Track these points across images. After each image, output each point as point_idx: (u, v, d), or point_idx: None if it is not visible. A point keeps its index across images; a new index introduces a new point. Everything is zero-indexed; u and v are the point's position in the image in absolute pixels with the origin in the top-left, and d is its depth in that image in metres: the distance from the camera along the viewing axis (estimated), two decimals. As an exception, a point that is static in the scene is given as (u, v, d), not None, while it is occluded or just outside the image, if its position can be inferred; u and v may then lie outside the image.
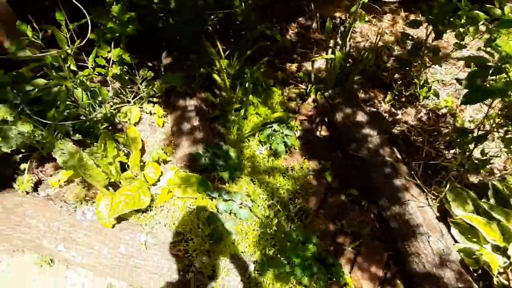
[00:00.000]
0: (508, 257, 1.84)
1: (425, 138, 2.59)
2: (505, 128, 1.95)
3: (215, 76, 2.55)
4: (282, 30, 3.33)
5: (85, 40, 1.91)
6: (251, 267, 1.97)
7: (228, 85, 2.55)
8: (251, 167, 2.33)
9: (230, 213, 2.05)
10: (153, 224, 2.04)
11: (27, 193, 2.11)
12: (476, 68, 1.60)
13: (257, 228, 2.07)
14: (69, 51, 1.80)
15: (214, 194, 2.04)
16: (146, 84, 2.51)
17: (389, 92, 2.77)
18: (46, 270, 2.09)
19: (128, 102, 2.56)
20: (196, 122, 2.33)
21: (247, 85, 2.48)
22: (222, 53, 2.61)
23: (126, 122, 2.50)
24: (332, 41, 2.72)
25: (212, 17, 2.63)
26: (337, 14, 3.40)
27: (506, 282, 1.83)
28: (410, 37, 2.53)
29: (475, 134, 1.96)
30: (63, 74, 1.94)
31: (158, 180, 2.19)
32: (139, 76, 2.44)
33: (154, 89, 2.44)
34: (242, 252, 2.01)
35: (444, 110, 2.71)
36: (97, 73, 2.11)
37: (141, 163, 2.22)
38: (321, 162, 2.48)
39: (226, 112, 2.51)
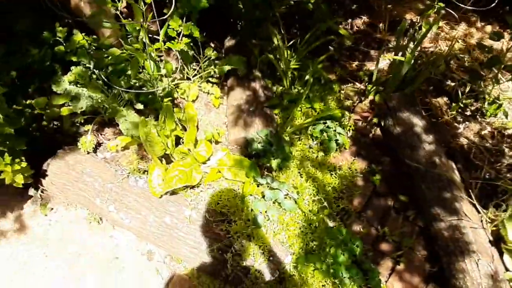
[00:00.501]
0: None
1: (486, 157, 2.45)
2: None
3: (276, 65, 2.54)
4: (347, 26, 3.25)
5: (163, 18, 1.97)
6: (289, 258, 1.97)
7: (289, 75, 2.54)
8: (300, 160, 2.32)
9: (274, 202, 2.06)
10: (198, 200, 2.10)
11: (88, 153, 2.23)
12: None
13: (299, 220, 2.06)
14: (144, 24, 1.87)
15: (262, 181, 2.05)
16: (208, 63, 2.55)
17: (453, 104, 2.63)
18: (94, 227, 2.22)
19: (188, 79, 2.62)
20: (252, 107, 2.35)
21: (307, 77, 2.45)
22: (286, 42, 2.60)
23: (184, 98, 2.57)
24: (401, 43, 2.61)
25: (281, 4, 2.61)
26: (408, 16, 3.26)
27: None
28: (487, 49, 2.37)
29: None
30: (136, 46, 2.02)
31: (208, 159, 2.24)
32: (203, 55, 2.48)
33: (215, 69, 2.47)
34: (281, 242, 2.02)
35: (511, 131, 2.54)
36: (166, 48, 2.16)
37: (196, 142, 2.28)
38: (370, 165, 2.42)
39: (283, 102, 2.50)
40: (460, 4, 2.23)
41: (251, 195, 2.08)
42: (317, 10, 2.62)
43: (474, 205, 2.10)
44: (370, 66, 2.97)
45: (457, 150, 2.46)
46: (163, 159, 2.14)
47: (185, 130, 2.25)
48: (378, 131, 2.60)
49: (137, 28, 2.02)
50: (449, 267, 1.96)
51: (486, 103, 2.54)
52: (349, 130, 2.58)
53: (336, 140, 2.43)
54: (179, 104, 2.58)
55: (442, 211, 2.05)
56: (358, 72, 2.94)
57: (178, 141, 2.24)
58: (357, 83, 2.86)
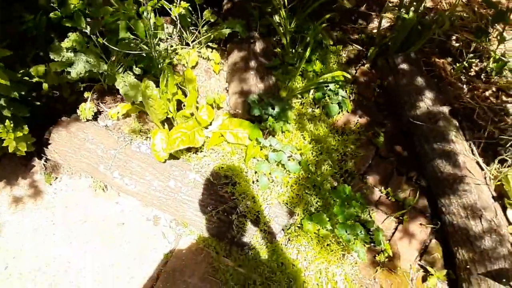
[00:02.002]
0: None
1: (489, 117, 2.43)
2: None
3: (276, 27, 2.49)
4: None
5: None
6: (293, 218, 1.99)
7: (288, 38, 2.49)
8: (302, 123, 2.31)
9: (278, 164, 2.06)
10: (202, 164, 2.10)
11: (87, 120, 2.22)
12: None
13: (303, 182, 2.07)
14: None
15: (266, 143, 2.04)
16: (207, 28, 2.49)
17: (457, 64, 2.59)
18: (99, 194, 2.24)
19: (187, 45, 2.57)
20: (253, 71, 2.31)
21: (308, 40, 2.40)
22: (286, 4, 2.53)
23: (183, 65, 2.53)
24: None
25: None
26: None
27: (560, 272, 1.74)
28: (492, 4, 2.31)
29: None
30: (127, 3, 1.96)
31: (210, 124, 2.23)
32: (202, 19, 2.42)
33: (215, 33, 2.42)
34: (286, 202, 2.03)
35: (516, 89, 2.51)
36: (160, 5, 2.10)
37: (197, 106, 2.26)
38: (373, 127, 2.41)
39: (284, 64, 2.46)
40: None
41: (254, 157, 2.08)
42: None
43: (477, 162, 2.10)
44: (372, 28, 2.90)
45: (460, 110, 2.44)
46: (165, 124, 2.12)
47: (186, 96, 2.23)
48: (381, 94, 2.57)
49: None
50: (452, 225, 1.98)
51: (491, 62, 2.49)
52: (351, 93, 2.55)
53: (339, 103, 2.41)
54: (179, 71, 2.54)
55: (445, 169, 2.06)
56: (359, 34, 2.87)
57: (179, 106, 2.22)
58: (358, 46, 2.81)
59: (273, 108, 2.17)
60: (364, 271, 2.03)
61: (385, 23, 2.87)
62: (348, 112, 2.48)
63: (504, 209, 1.95)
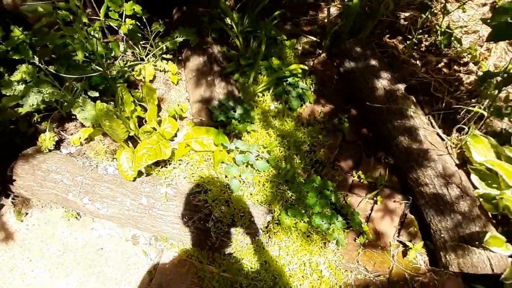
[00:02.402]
0: (530, 201, 1.81)
1: (445, 88, 2.51)
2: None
3: (228, 30, 2.50)
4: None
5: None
6: (269, 216, 2.01)
7: (241, 40, 2.50)
8: (266, 121, 2.33)
9: (247, 165, 2.07)
10: (172, 177, 2.09)
11: (50, 150, 2.17)
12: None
13: (274, 179, 2.09)
14: (78, 3, 1.78)
15: (231, 146, 2.05)
16: (159, 40, 2.48)
17: (407, 42, 2.67)
18: (73, 224, 2.20)
19: (142, 60, 2.56)
20: (210, 76, 2.32)
21: (261, 38, 2.42)
22: (234, 6, 2.54)
23: (141, 80, 2.51)
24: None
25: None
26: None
27: (526, 225, 1.82)
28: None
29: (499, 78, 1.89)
30: (75, 27, 1.93)
31: (175, 136, 2.22)
32: (151, 32, 2.41)
33: (167, 44, 2.41)
34: (260, 202, 2.05)
35: (466, 59, 2.60)
36: (107, 25, 2.08)
37: (158, 119, 2.25)
38: (337, 114, 2.46)
39: (241, 66, 2.47)
40: None
41: (223, 162, 2.09)
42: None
43: (437, 134, 2.17)
44: (323, 18, 2.95)
45: (417, 85, 2.51)
46: (129, 142, 2.10)
47: (146, 110, 2.21)
48: (340, 81, 2.62)
49: (73, 9, 1.93)
50: (422, 197, 2.04)
51: (439, 35, 2.58)
52: (311, 84, 2.59)
53: (300, 96, 2.44)
54: (138, 86, 2.52)
55: (408, 145, 2.12)
56: (312, 26, 2.92)
57: (141, 122, 2.21)
58: (313, 37, 2.85)
59: (235, 111, 2.18)
60: (347, 255, 2.07)
61: (335, 11, 2.93)
62: (311, 103, 2.51)
63: (468, 174, 2.02)
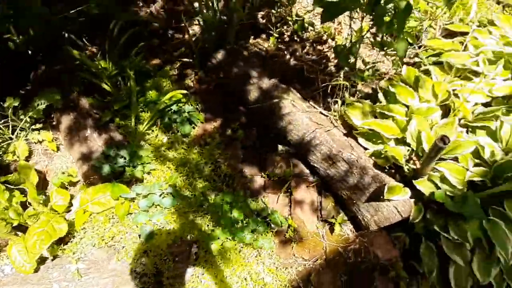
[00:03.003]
0: (409, 145, 2.02)
1: (316, 69, 2.70)
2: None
3: (93, 79, 2.39)
4: (150, 10, 3.18)
5: None
6: (194, 248, 1.96)
7: (110, 84, 2.41)
8: (162, 156, 2.27)
9: (156, 206, 2.00)
10: (80, 249, 1.93)
11: None
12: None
13: (187, 209, 2.04)
14: None
15: (131, 195, 1.96)
16: (22, 112, 2.28)
17: (271, 38, 2.81)
18: None
19: (11, 138, 2.32)
20: (87, 132, 2.19)
21: (129, 77, 2.36)
22: (95, 54, 2.44)
23: (16, 159, 2.28)
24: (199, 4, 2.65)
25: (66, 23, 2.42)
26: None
27: (414, 166, 2.03)
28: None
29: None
30: None
31: (71, 204, 2.05)
32: (7, 108, 2.20)
33: (31, 115, 2.23)
34: (181, 237, 1.98)
35: (325, 37, 2.83)
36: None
37: (46, 195, 2.06)
38: (229, 125, 2.49)
39: (119, 111, 2.38)
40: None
41: (129, 213, 1.98)
42: (105, 9, 2.50)
43: (320, 113, 2.32)
44: (189, 38, 2.98)
45: (290, 74, 2.66)
46: (18, 232, 1.89)
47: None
48: (222, 92, 2.66)
49: None
50: (326, 175, 2.16)
51: (293, 24, 2.76)
52: (196, 104, 2.59)
53: (189, 119, 2.43)
54: (16, 167, 2.28)
55: (299, 131, 2.22)
56: (181, 48, 2.93)
57: (26, 205, 2.00)
58: (185, 59, 2.86)
59: (124, 158, 2.09)
60: (283, 253, 2.10)
61: (197, 29, 2.97)
62: (203, 123, 2.51)
63: (356, 139, 2.19)
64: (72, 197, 2.08)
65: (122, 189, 1.98)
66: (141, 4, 3.26)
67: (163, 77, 2.66)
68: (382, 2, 1.58)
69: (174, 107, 2.43)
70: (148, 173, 2.16)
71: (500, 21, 2.42)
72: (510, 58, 2.16)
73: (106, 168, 2.02)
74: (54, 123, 2.44)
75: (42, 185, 2.22)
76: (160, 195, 1.99)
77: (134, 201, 2.01)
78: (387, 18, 1.78)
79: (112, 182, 2.01)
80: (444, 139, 1.61)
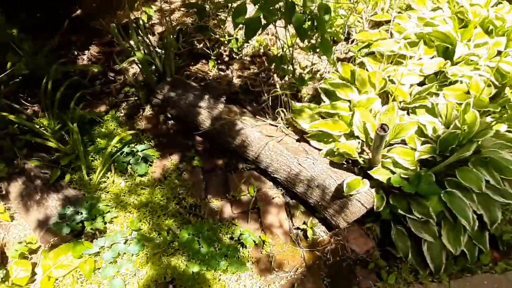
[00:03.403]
0: (358, 137, 2.08)
1: (260, 81, 2.74)
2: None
3: (37, 139, 2.32)
4: (85, 56, 3.15)
5: None
6: (170, 287, 1.91)
7: (56, 140, 2.34)
8: (122, 201, 2.22)
9: (122, 256, 1.94)
10: (52, 318, 1.83)
11: None
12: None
13: (156, 250, 1.99)
14: None
15: (94, 249, 1.89)
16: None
17: (209, 61, 2.84)
18: None
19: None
20: (37, 195, 2.11)
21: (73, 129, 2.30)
22: (28, 112, 2.37)
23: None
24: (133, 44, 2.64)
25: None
26: (132, 17, 3.32)
27: (368, 157, 2.08)
28: (194, 5, 2.58)
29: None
30: None
31: (35, 273, 1.96)
32: None
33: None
34: (155, 281, 1.93)
35: (262, 50, 2.88)
36: None
37: (6, 269, 1.95)
38: (185, 154, 2.47)
39: (68, 166, 2.31)
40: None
41: (97, 269, 1.91)
42: (35, 66, 2.45)
43: (270, 124, 2.34)
44: (131, 76, 2.96)
45: (238, 92, 2.69)
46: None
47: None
48: (173, 124, 2.65)
49: None
50: (286, 180, 2.17)
51: (228, 43, 2.81)
52: (149, 141, 2.55)
53: (143, 158, 2.39)
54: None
55: (254, 146, 2.23)
56: (124, 88, 2.90)
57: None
58: (130, 98, 2.83)
59: (81, 213, 2.02)
60: (263, 271, 2.08)
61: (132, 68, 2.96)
62: (159, 158, 2.48)
63: (308, 143, 2.23)
64: (35, 265, 1.99)
65: (83, 246, 1.91)
66: (76, 52, 3.22)
67: (110, 121, 2.62)
68: (297, 12, 1.63)
69: (126, 149, 2.39)
70: (110, 222, 2.10)
71: (416, 4, 2.57)
72: (431, 37, 2.28)
73: (64, 229, 1.94)
74: (3, 192, 2.33)
75: (2, 259, 2.11)
76: (125, 243, 1.94)
77: (99, 255, 1.94)
78: (308, 24, 1.85)
79: (73, 241, 1.94)
80: (383, 127, 1.67)
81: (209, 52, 2.87)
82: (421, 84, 2.25)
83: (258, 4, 1.69)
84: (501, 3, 2.57)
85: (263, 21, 1.85)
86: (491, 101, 2.12)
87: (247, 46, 2.88)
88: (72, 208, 2.04)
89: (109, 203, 2.18)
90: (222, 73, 2.84)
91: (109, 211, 2.11)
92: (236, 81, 2.78)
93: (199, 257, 1.94)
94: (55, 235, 2.03)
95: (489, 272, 2.03)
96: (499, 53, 2.21)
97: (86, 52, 3.21)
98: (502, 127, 2.02)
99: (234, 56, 2.91)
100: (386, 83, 2.20)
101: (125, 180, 2.35)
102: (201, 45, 2.99)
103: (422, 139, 2.00)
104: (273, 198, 2.28)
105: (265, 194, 2.29)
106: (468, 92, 2.13)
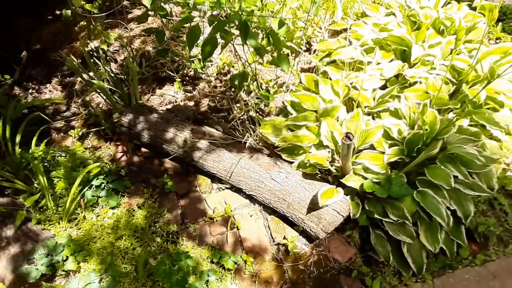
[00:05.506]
0: (327, 147, 2.09)
1: (228, 98, 2.73)
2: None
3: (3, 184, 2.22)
4: (51, 92, 3.07)
5: None
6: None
7: (21, 181, 2.25)
8: (94, 239, 2.13)
9: (98, 296, 1.85)
10: None
11: None
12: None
13: (134, 285, 1.92)
14: None
15: (67, 294, 1.80)
16: None
17: (175, 83, 2.82)
18: None
19: None
20: (5, 242, 2.00)
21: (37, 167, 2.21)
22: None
23: None
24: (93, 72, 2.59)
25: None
26: (93, 45, 3.27)
27: (339, 165, 2.09)
28: (153, 29, 2.57)
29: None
30: None
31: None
32: None
33: None
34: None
35: (226, 68, 2.89)
36: None
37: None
38: (158, 180, 2.42)
39: (34, 206, 2.21)
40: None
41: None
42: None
43: (239, 142, 2.33)
44: (96, 107, 2.90)
45: (206, 111, 2.67)
46: None
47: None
48: (143, 150, 2.60)
49: None
50: (265, 198, 2.15)
51: (191, 64, 2.79)
52: (119, 171, 2.48)
53: (114, 189, 2.32)
54: None
55: (223, 165, 2.21)
56: (89, 119, 2.83)
57: None
58: (92, 128, 2.75)
59: (51, 254, 1.93)
60: (249, 292, 2.04)
61: (96, 97, 2.90)
62: (130, 187, 2.41)
63: (280, 157, 2.22)
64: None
65: (55, 291, 1.82)
66: (38, 87, 3.14)
67: (77, 155, 2.53)
68: (251, 30, 1.64)
69: (95, 182, 2.31)
70: (84, 260, 2.01)
71: (370, 11, 2.65)
72: (388, 41, 2.34)
73: (33, 273, 1.84)
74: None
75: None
76: (100, 281, 1.85)
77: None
78: (265, 41, 1.86)
79: (43, 286, 1.84)
80: (348, 135, 1.68)
81: (173, 74, 2.85)
82: (383, 87, 2.29)
83: (213, 25, 1.69)
84: (450, 3, 2.68)
85: (222, 41, 1.86)
86: (451, 98, 2.19)
87: (211, 65, 2.87)
88: (42, 250, 1.94)
89: (81, 240, 2.09)
90: (189, 94, 2.81)
91: (81, 250, 2.02)
92: (203, 101, 2.76)
93: (178, 286, 1.88)
94: (25, 282, 1.92)
95: (469, 266, 2.06)
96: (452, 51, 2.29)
97: (48, 85, 3.13)
98: (465, 122, 2.08)
99: (200, 76, 2.89)
100: (349, 90, 2.23)
101: (97, 215, 2.27)
102: (165, 68, 2.97)
103: (389, 142, 2.03)
104: (251, 216, 2.25)
105: (242, 213, 2.26)
106: (428, 92, 2.18)
